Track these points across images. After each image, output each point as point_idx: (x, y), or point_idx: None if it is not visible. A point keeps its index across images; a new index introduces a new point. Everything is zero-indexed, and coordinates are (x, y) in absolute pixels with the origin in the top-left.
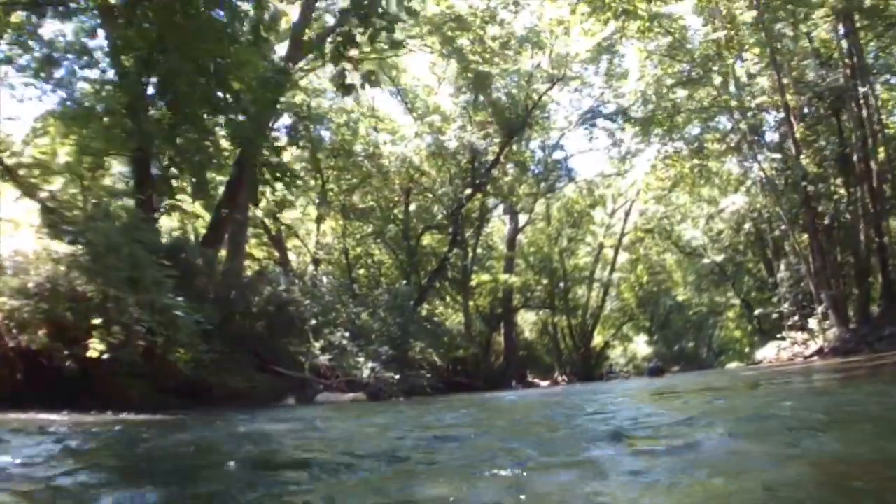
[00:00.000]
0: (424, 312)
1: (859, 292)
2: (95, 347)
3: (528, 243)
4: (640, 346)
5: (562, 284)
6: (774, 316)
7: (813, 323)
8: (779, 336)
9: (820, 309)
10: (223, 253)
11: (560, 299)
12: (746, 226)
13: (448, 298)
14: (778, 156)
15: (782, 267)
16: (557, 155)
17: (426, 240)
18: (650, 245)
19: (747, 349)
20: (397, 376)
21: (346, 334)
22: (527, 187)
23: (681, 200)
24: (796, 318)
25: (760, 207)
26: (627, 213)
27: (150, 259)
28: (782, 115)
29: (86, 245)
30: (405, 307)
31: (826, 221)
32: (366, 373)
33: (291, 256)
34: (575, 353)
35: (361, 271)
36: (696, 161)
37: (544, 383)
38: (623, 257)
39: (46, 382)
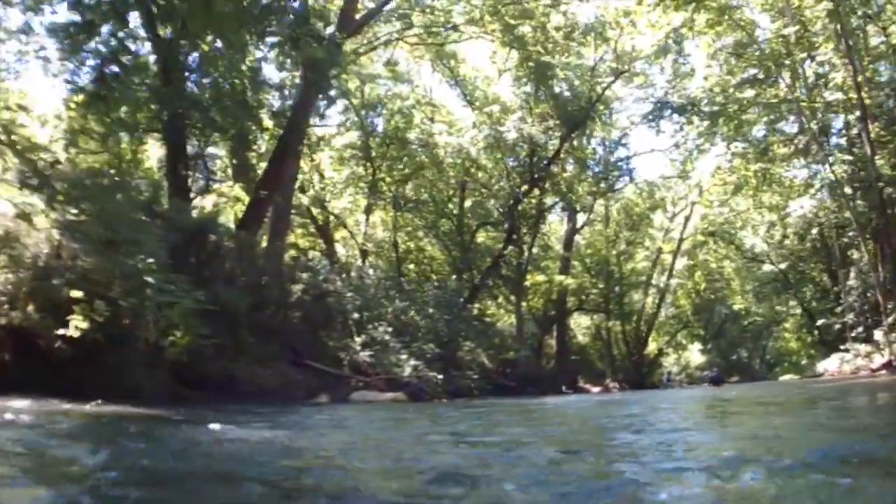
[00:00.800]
0: (476, 312)
1: None
2: (78, 325)
3: (585, 245)
4: (694, 354)
5: (617, 288)
6: (838, 327)
7: (879, 335)
8: (842, 348)
9: (889, 319)
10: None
11: (615, 304)
12: (813, 231)
13: (501, 298)
14: (849, 157)
15: (852, 275)
16: (619, 153)
17: (481, 237)
18: (710, 250)
19: (804, 361)
20: (440, 376)
21: (390, 330)
22: (586, 186)
23: (742, 207)
24: (861, 329)
25: (829, 213)
26: (687, 218)
27: (132, 215)
28: (855, 114)
29: (41, 189)
30: (454, 304)
31: None
32: (408, 371)
33: (339, 249)
34: (628, 360)
35: (411, 266)
36: (760, 165)
37: (595, 389)
38: (681, 263)
39: (41, 366)
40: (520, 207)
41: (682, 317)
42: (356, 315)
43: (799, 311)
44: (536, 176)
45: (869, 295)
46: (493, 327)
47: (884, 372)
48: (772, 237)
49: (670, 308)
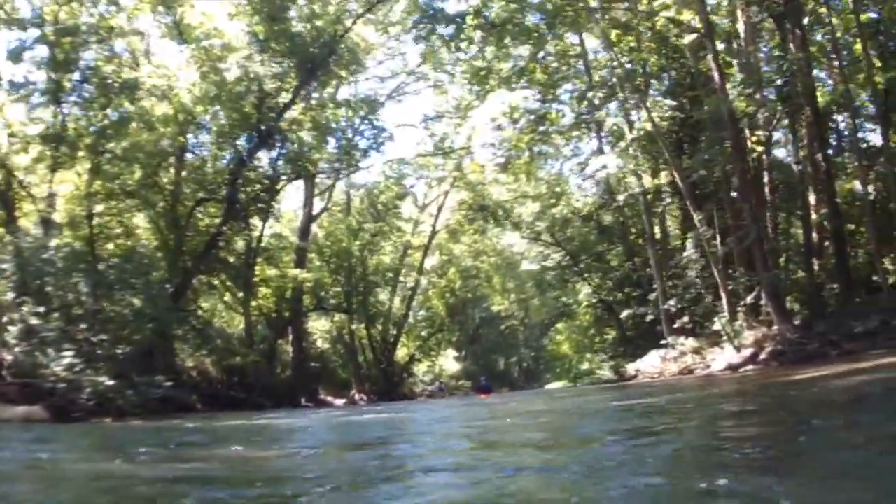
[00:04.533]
0: (196, 307)
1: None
2: None
3: (324, 234)
4: (449, 362)
5: (361, 287)
6: (650, 317)
7: (721, 322)
8: (664, 342)
9: (748, 299)
10: None
11: (359, 304)
12: (619, 198)
13: (228, 296)
14: (671, 102)
15: (689, 246)
16: (367, 123)
17: (204, 221)
18: (467, 244)
19: (586, 365)
20: (111, 382)
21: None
22: (326, 155)
23: (504, 195)
24: (686, 319)
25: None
26: (440, 208)
27: None
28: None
29: None
30: (156, 290)
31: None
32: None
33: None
34: (375, 368)
35: (111, 247)
36: (533, 137)
37: (339, 401)
38: (434, 259)
39: None
40: (244, 172)
41: (435, 319)
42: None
43: (587, 303)
44: (264, 129)
45: (694, 274)
46: (211, 325)
47: (749, 368)
48: (546, 216)
49: (421, 311)
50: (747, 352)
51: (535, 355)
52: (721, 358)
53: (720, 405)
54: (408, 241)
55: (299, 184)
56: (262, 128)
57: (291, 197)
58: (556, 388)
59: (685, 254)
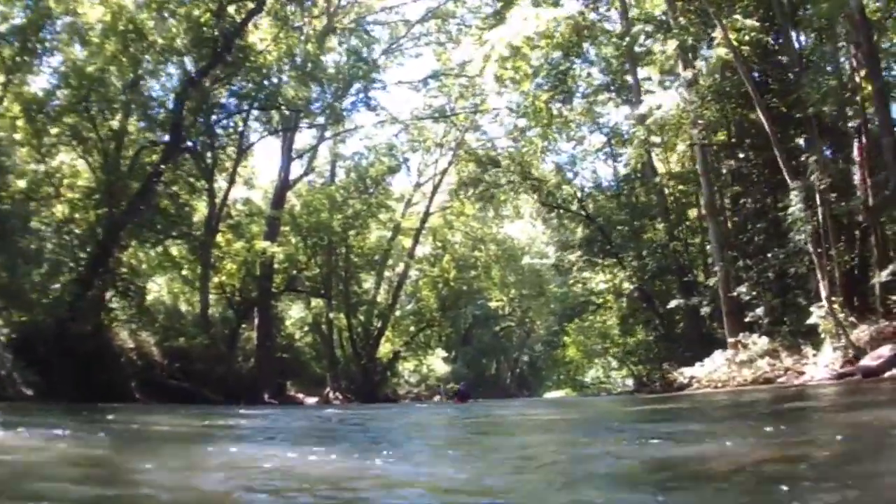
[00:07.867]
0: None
1: None
2: None
3: (301, 205)
4: (438, 363)
5: (343, 270)
6: (705, 309)
7: (817, 314)
8: (734, 340)
9: (883, 275)
10: None
11: (339, 290)
12: (680, 147)
13: (188, 271)
14: (753, 23)
15: (794, 197)
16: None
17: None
18: (464, 230)
19: (597, 372)
20: None
21: None
22: (303, 93)
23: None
24: (760, 310)
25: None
26: (436, 188)
27: None
28: None
29: None
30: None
31: None
32: None
33: None
34: (355, 364)
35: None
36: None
37: (311, 400)
38: (426, 247)
39: None
40: (192, 96)
41: (425, 313)
42: None
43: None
44: (221, 43)
45: (801, 239)
46: (143, 292)
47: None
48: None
49: (409, 303)
50: (885, 351)
51: (531, 360)
52: (819, 362)
53: None
54: (398, 222)
55: (276, 147)
56: (219, 40)
57: (265, 163)
58: (561, 398)
59: (789, 210)
